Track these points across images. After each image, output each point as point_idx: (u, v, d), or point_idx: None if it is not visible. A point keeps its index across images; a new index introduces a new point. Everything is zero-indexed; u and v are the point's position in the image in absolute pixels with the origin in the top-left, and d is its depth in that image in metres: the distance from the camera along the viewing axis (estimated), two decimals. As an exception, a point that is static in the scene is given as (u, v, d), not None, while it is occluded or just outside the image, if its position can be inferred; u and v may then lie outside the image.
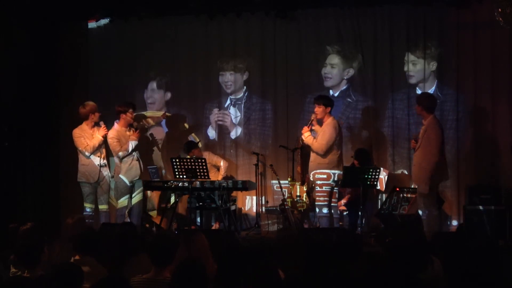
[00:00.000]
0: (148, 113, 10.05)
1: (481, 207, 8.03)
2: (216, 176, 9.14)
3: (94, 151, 8.40)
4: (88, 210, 8.56)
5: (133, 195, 8.58)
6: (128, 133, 8.52)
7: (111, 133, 8.44)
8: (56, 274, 4.03)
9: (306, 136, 8.18)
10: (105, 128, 8.46)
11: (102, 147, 8.52)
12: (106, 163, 8.61)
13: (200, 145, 9.58)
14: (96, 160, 8.46)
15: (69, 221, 6.37)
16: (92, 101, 8.62)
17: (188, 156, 8.87)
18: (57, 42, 9.89)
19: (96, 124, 8.50)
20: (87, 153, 8.40)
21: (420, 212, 7.78)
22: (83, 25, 10.04)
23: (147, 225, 8.77)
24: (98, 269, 4.79)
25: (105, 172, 8.56)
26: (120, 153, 8.42)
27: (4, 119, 8.98)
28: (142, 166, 8.59)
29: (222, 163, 9.31)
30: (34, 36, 9.33)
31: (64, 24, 9.84)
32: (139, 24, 9.85)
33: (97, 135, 8.42)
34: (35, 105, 9.38)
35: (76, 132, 8.45)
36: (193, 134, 9.92)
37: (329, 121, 8.12)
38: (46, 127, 9.66)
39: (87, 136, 8.40)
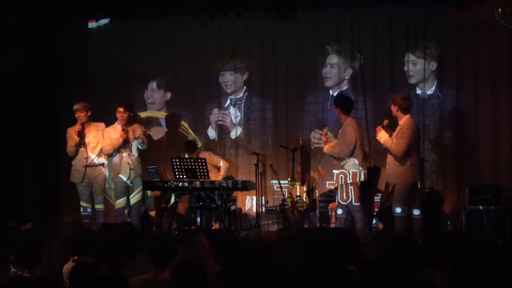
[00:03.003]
0: (148, 113, 10.04)
1: (481, 207, 8.04)
2: (217, 177, 9.13)
3: (76, 150, 8.43)
4: (88, 210, 8.57)
5: (132, 195, 8.58)
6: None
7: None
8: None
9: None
10: (79, 126, 8.44)
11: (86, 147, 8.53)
12: (104, 162, 8.59)
13: (199, 144, 9.57)
14: (81, 160, 8.48)
15: (66, 220, 6.37)
16: (81, 102, 8.63)
17: (187, 156, 8.86)
18: (57, 42, 9.90)
19: (85, 124, 8.53)
20: (69, 154, 8.53)
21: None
22: (83, 25, 10.04)
23: (147, 225, 8.79)
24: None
25: (98, 172, 8.56)
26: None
27: (4, 119, 8.98)
28: (131, 166, 8.52)
29: (222, 164, 9.30)
30: (34, 36, 9.33)
31: (64, 24, 9.83)
32: (139, 24, 9.86)
33: (74, 135, 8.46)
34: (35, 105, 9.38)
35: (67, 131, 8.55)
36: (192, 132, 9.91)
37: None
38: (46, 127, 9.65)
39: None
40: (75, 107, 8.52)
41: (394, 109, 7.51)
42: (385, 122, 7.68)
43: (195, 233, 4.88)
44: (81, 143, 8.48)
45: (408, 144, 7.33)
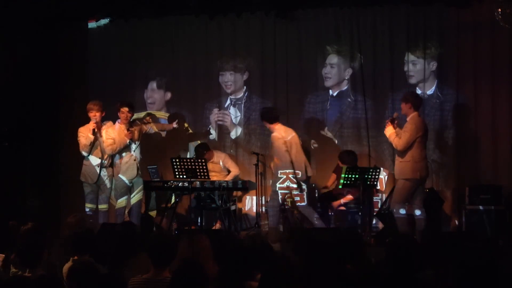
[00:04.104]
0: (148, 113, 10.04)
1: (481, 207, 8.04)
2: (224, 178, 9.10)
3: (91, 150, 8.38)
4: (87, 210, 8.55)
5: (132, 194, 8.58)
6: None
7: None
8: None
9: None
10: (93, 124, 8.39)
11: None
12: (109, 163, 8.57)
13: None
14: (95, 160, 8.45)
15: (71, 220, 6.36)
16: (96, 101, 8.61)
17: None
18: (57, 42, 9.90)
19: (100, 123, 8.51)
20: (83, 153, 8.42)
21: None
22: (83, 25, 10.04)
23: (147, 225, 8.78)
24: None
25: (107, 172, 8.55)
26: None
27: (4, 119, 8.98)
28: (139, 166, 8.55)
29: (233, 169, 9.23)
30: (34, 36, 9.32)
31: (64, 24, 9.83)
32: (139, 24, 9.86)
33: (88, 134, 8.42)
34: (35, 105, 9.38)
35: (79, 130, 8.48)
36: (189, 128, 9.92)
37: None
38: (46, 127, 9.65)
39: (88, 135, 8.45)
40: (89, 106, 8.41)
41: (406, 106, 7.65)
42: (395, 114, 7.90)
43: (197, 234, 4.88)
44: (96, 143, 8.44)
45: (409, 138, 7.44)
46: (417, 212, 7.60)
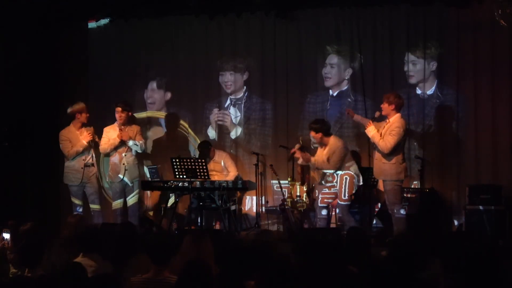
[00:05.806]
0: (148, 113, 10.04)
1: (481, 207, 8.04)
2: (223, 178, 9.10)
3: (78, 155, 8.43)
4: (78, 208, 8.55)
5: (131, 195, 8.57)
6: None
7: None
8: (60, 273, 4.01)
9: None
10: (90, 134, 8.46)
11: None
12: (93, 163, 8.59)
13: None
14: (79, 161, 8.47)
15: (70, 220, 6.37)
16: (82, 102, 8.67)
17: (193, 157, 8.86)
18: (57, 42, 9.89)
19: (84, 125, 8.52)
20: (69, 158, 8.49)
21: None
22: (83, 25, 10.04)
23: (147, 225, 8.79)
24: (103, 266, 4.80)
25: (92, 172, 8.57)
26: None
27: (4, 119, 8.98)
28: (126, 166, 8.53)
29: (232, 171, 9.23)
30: (34, 36, 9.33)
31: (64, 24, 9.83)
32: (139, 24, 9.87)
33: (82, 141, 8.43)
34: (35, 105, 9.38)
35: (62, 134, 8.52)
36: (191, 132, 9.92)
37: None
38: (46, 127, 9.65)
39: (73, 138, 8.45)
40: (77, 107, 8.48)
41: (389, 107, 7.55)
42: (377, 114, 7.78)
43: (204, 235, 4.89)
44: (91, 146, 8.52)
45: (397, 141, 7.39)
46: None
